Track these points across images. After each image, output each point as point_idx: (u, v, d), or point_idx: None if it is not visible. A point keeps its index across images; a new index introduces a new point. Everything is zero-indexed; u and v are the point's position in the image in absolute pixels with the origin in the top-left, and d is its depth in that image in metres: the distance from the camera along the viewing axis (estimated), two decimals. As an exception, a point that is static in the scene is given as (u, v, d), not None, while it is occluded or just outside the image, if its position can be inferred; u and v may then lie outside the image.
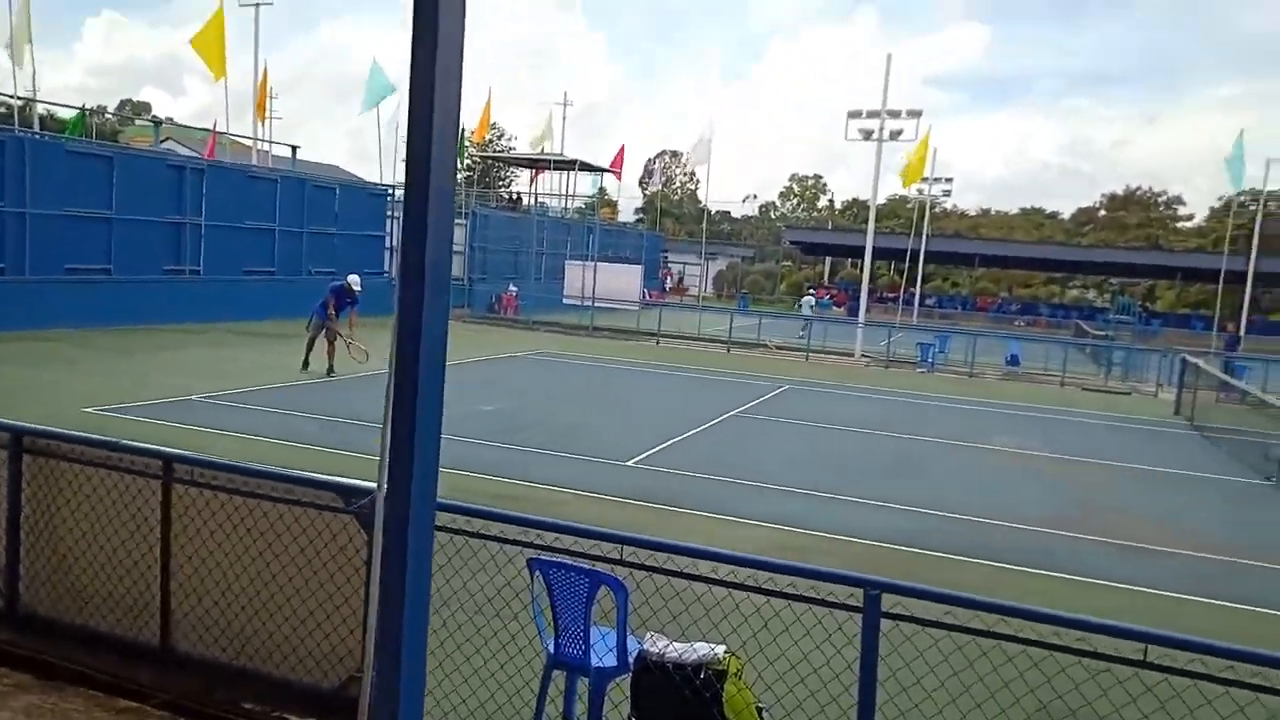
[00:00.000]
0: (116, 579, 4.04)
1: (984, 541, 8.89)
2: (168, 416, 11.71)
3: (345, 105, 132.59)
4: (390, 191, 31.37)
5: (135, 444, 4.21)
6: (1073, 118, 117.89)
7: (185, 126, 45.58)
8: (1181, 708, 3.49)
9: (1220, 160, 31.09)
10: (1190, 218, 71.10)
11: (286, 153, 33.98)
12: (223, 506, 3.81)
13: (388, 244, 30.66)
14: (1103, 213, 75.41)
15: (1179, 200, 73.44)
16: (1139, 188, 74.71)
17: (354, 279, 16.80)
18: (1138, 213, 72.16)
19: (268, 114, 36.23)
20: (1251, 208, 42.50)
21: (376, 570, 2.66)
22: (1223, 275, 34.10)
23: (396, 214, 29.52)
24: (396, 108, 33.06)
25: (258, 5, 34.91)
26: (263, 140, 35.10)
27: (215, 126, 34.70)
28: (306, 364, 16.23)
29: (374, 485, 3.10)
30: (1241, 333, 34.04)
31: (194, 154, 31.51)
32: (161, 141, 33.36)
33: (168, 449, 4.16)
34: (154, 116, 50.43)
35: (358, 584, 3.56)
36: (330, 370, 16.08)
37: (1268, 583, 8.30)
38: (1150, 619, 6.56)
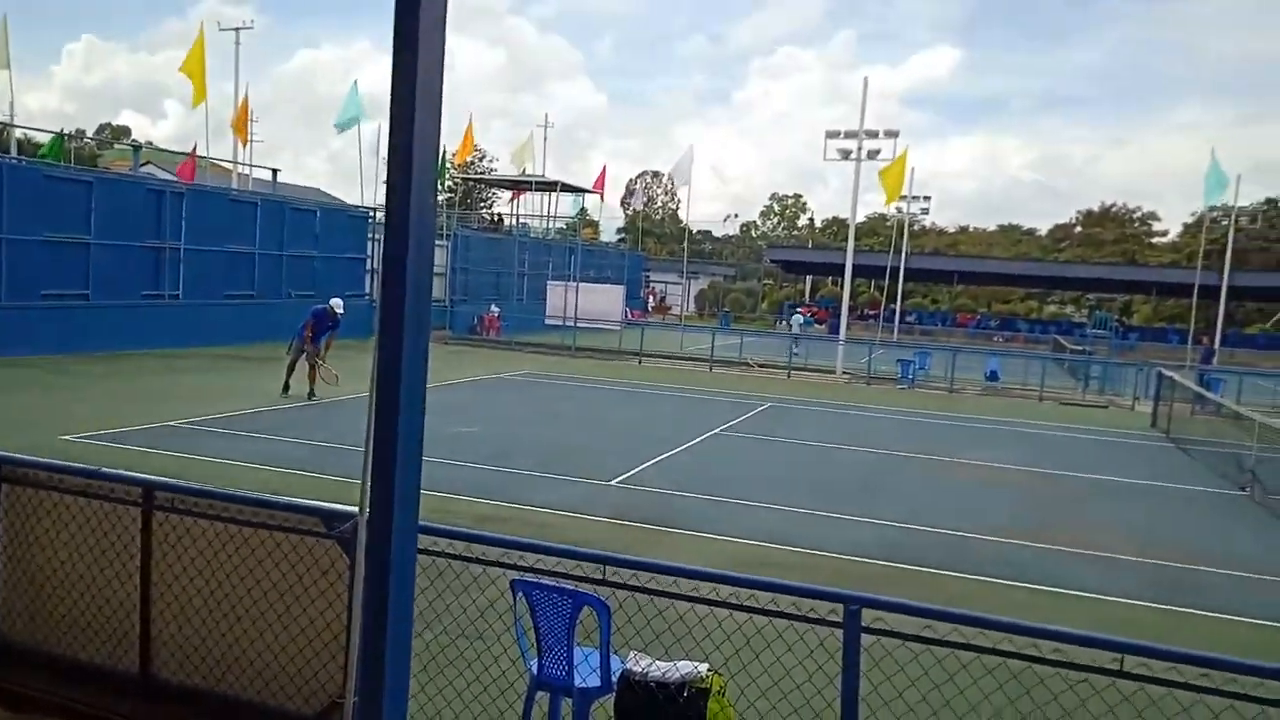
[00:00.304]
0: (96, 608, 4.01)
1: (963, 555, 8.95)
2: (148, 443, 11.62)
3: (326, 128, 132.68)
4: (371, 213, 31.36)
5: (115, 471, 4.20)
6: (1045, 137, 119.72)
7: (165, 150, 45.45)
8: (1158, 716, 3.54)
9: (1191, 178, 31.65)
10: (1165, 233, 72.18)
11: (267, 175, 33.96)
12: (204, 533, 3.80)
13: (369, 266, 30.60)
14: (1079, 229, 76.33)
15: (1153, 216, 74.58)
16: (1114, 204, 75.84)
17: (336, 302, 16.73)
18: (1113, 229, 73.09)
19: (248, 137, 36.20)
20: (1224, 223, 43.20)
21: (359, 594, 2.67)
22: (1197, 289, 34.60)
23: (378, 236, 29.49)
24: (378, 130, 33.13)
25: (238, 30, 34.98)
26: (243, 163, 35.08)
27: (195, 150, 34.63)
28: (287, 388, 16.15)
29: (356, 509, 3.12)
30: (1216, 346, 34.48)
31: (174, 178, 31.41)
32: (141, 165, 33.24)
33: (148, 476, 4.15)
34: (133, 140, 50.23)
35: (340, 609, 3.56)
36: (311, 394, 16.00)
37: (1241, 591, 8.40)
38: (1127, 629, 6.63)
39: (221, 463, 10.78)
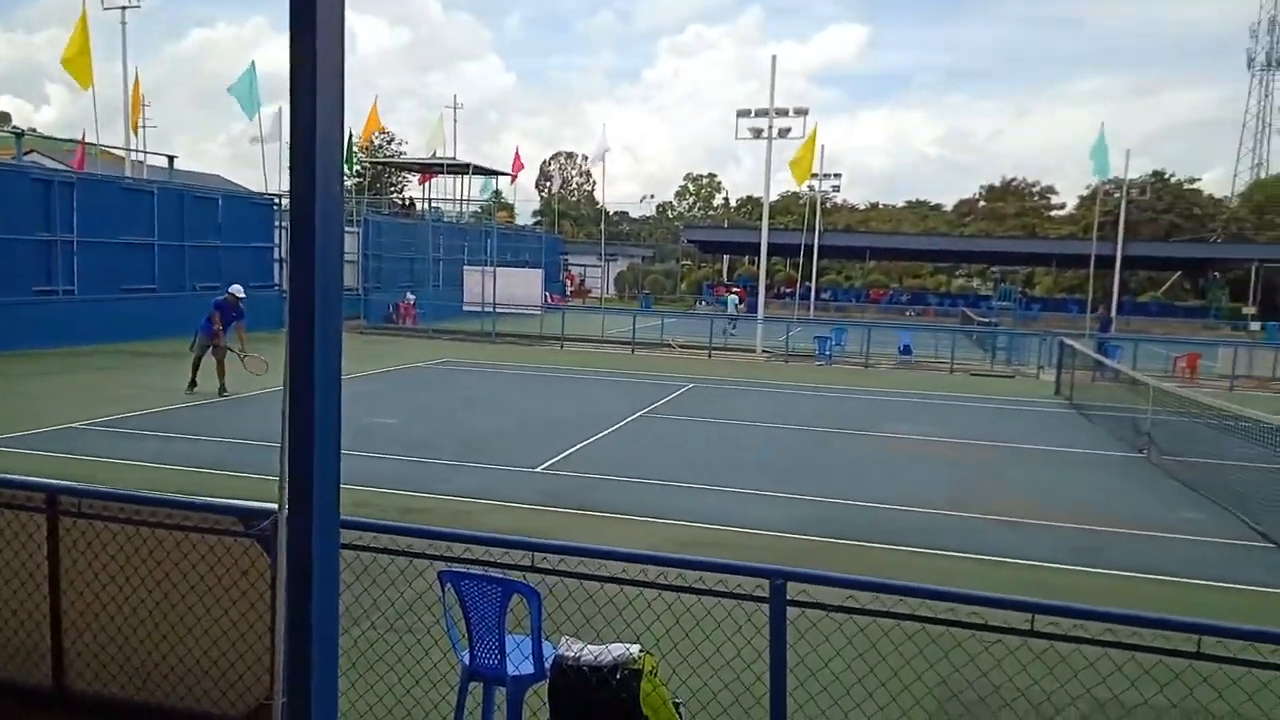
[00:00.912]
0: (2, 621, 3.82)
1: (885, 526, 9.22)
2: (49, 447, 11.09)
3: (224, 111, 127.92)
4: (276, 200, 30.40)
5: (14, 477, 4.00)
6: (949, 113, 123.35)
7: (50, 138, 43.14)
8: (1067, 671, 3.73)
9: (1086, 151, 32.92)
10: (1062, 206, 75.06)
11: (163, 163, 32.56)
12: (114, 538, 3.65)
13: (276, 255, 29.70)
14: (982, 203, 78.82)
15: (1051, 190, 77.45)
16: (1014, 179, 78.46)
17: (236, 288, 16.23)
18: (1014, 203, 75.70)
19: (141, 123, 34.60)
20: (1116, 196, 45.17)
21: (282, 593, 2.61)
22: (1093, 260, 36.15)
23: (284, 224, 28.63)
24: (278, 113, 32.04)
25: (124, 9, 33.35)
26: (136, 150, 33.53)
27: (84, 137, 32.96)
28: (194, 384, 15.58)
29: (274, 506, 3.04)
30: (1114, 314, 36.12)
31: (63, 166, 29.84)
32: (25, 154, 31.47)
33: (51, 480, 3.97)
34: (15, 127, 47.52)
35: (263, 609, 3.48)
36: (222, 389, 15.48)
37: (1140, 548, 8.87)
38: (1037, 590, 6.94)
39: (130, 464, 10.37)
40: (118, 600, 3.67)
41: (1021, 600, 3.37)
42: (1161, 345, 29.41)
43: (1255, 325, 47.19)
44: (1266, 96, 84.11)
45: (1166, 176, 65.89)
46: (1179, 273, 62.78)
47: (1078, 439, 15.15)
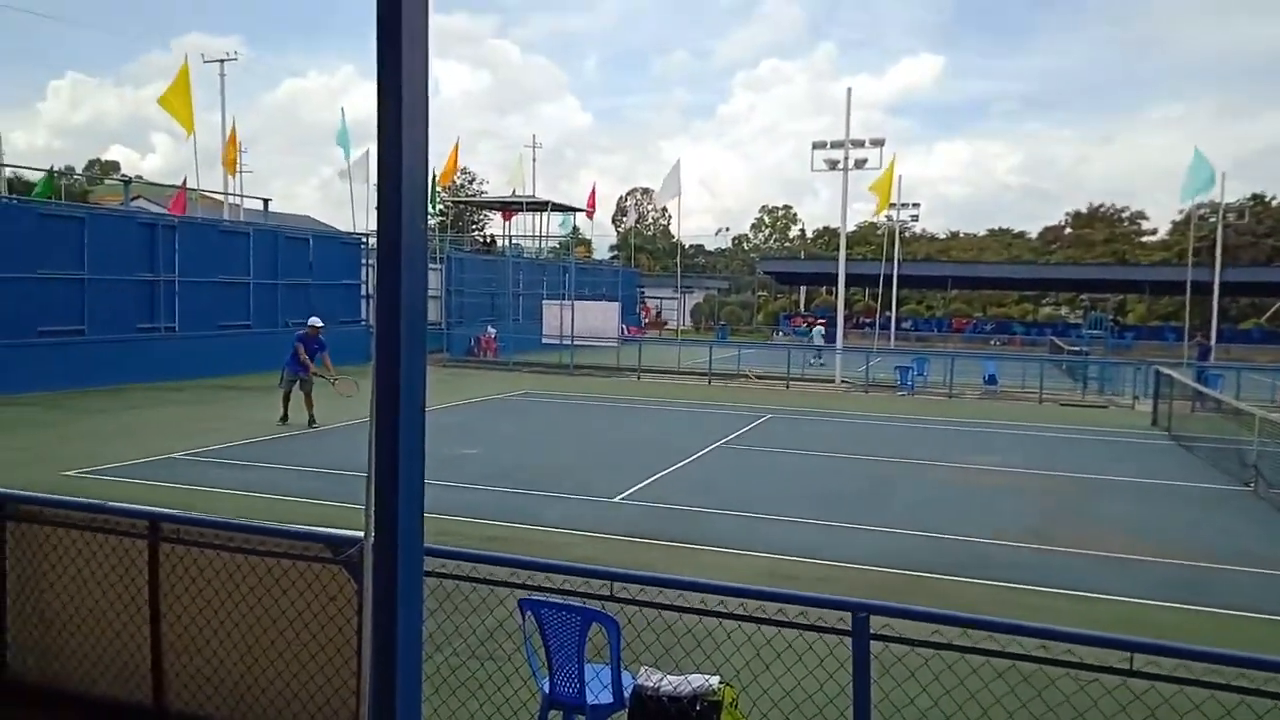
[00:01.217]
0: (106, 641, 4.01)
1: (973, 560, 8.94)
2: (150, 476, 11.60)
3: (315, 156, 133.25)
4: (364, 239, 31.43)
5: (119, 505, 4.20)
6: (1028, 141, 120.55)
7: (155, 184, 45.57)
8: (1171, 714, 3.54)
9: (1176, 175, 31.79)
10: (1154, 232, 72.49)
11: (258, 205, 34.04)
12: (210, 563, 3.81)
13: (364, 292, 30.66)
14: (1069, 230, 76.63)
15: (1142, 215, 74.92)
16: (1102, 205, 76.19)
17: (315, 320, 16.89)
18: (1103, 229, 73.38)
19: (238, 168, 36.31)
20: (1212, 220, 43.42)
21: (368, 618, 2.67)
22: (1189, 286, 34.72)
23: (371, 261, 29.58)
24: (366, 155, 33.24)
25: (223, 61, 35.16)
26: (233, 194, 35.15)
27: (185, 183, 34.73)
28: (285, 417, 16.13)
29: (361, 534, 3.12)
30: (1213, 342, 34.56)
31: (165, 211, 31.46)
32: (132, 199, 33.31)
33: (153, 508, 4.16)
34: (123, 175, 50.36)
35: (350, 633, 3.57)
36: (311, 421, 15.99)
37: (1247, 585, 8.40)
38: (1136, 628, 6.63)
39: (225, 493, 10.76)
40: (214, 623, 3.81)
41: (1119, 638, 3.23)
42: (1267, 374, 27.96)
43: (1369, 351, 44.50)
44: (1374, 112, 80.00)
45: (1267, 199, 63.07)
46: (1284, 298, 59.79)
47: (1178, 471, 14.48)
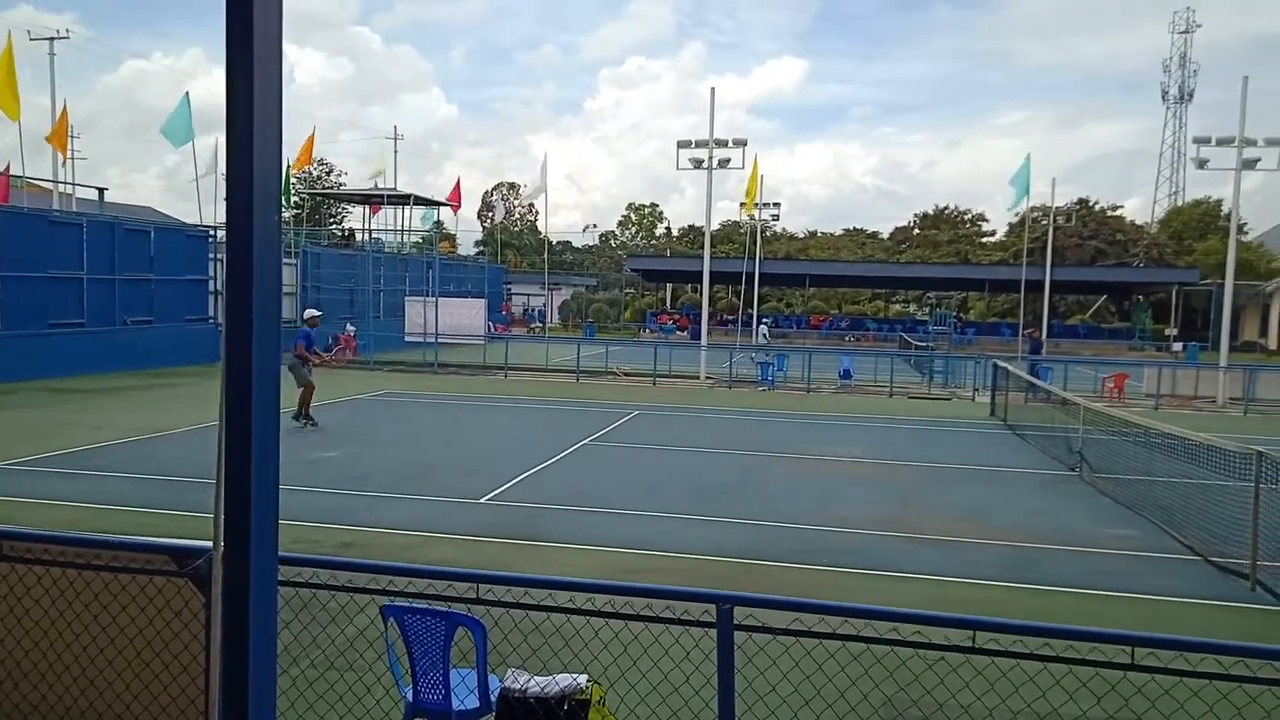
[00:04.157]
0: (-87, 672, 3.64)
1: (826, 547, 9.31)
2: (-35, 488, 10.63)
3: (158, 143, 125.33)
4: (212, 232, 29.80)
5: (-70, 521, 3.83)
6: (883, 144, 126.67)
7: (-28, 170, 41.72)
8: (1008, 686, 3.79)
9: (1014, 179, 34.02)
10: (993, 233, 77.10)
11: (93, 195, 31.73)
12: (39, 580, 3.52)
13: (212, 288, 29.08)
14: (917, 231, 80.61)
15: (983, 218, 79.51)
16: (947, 207, 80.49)
17: (309, 312, 17.48)
18: (948, 230, 77.57)
19: (69, 154, 33.71)
20: (1044, 222, 46.71)
21: (217, 633, 2.54)
22: (1024, 285, 37.23)
23: (220, 256, 28.09)
24: (215, 145, 31.55)
25: (53, 40, 32.64)
26: (65, 183, 32.63)
27: (9, 169, 31.97)
28: (308, 418, 16.18)
29: (209, 544, 2.96)
30: (1044, 337, 37.18)
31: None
32: (-55, 187, 30.40)
33: (-31, 523, 3.81)
34: (-66, 159, 45.92)
35: (197, 650, 3.37)
36: (305, 416, 16.04)
37: (1075, 564, 9.09)
38: (976, 608, 7.06)
39: (55, 504, 9.98)
40: (42, 645, 3.53)
41: (963, 618, 3.42)
42: (1090, 366, 30.34)
43: (1177, 346, 48.97)
44: (1181, 127, 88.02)
45: (1091, 204, 68.30)
46: (1105, 296, 64.99)
47: (1013, 458, 15.51)
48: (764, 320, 47.58)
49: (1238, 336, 49.43)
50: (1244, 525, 8.39)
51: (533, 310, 57.92)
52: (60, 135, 31.38)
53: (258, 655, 2.38)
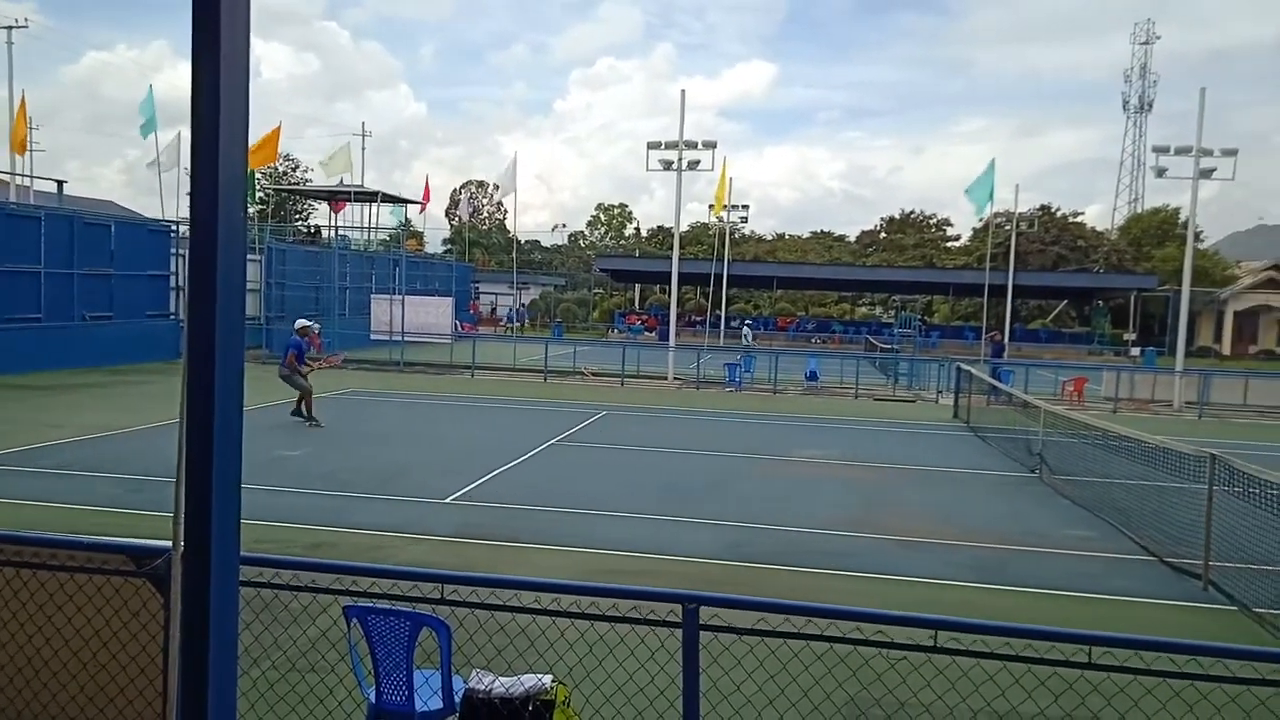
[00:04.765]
0: None
1: (791, 548, 9.37)
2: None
3: (120, 136, 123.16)
4: (174, 227, 29.33)
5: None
6: (849, 148, 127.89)
7: (-76, 159, 40.71)
8: (968, 685, 3.85)
9: (978, 185, 34.48)
10: (957, 238, 78.11)
11: (51, 188, 31.05)
12: (-9, 581, 3.44)
13: (173, 284, 28.61)
14: (883, 234, 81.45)
15: (947, 222, 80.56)
16: (912, 211, 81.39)
17: (300, 322, 17.39)
18: (913, 234, 78.46)
19: (28, 146, 32.99)
20: (1007, 228, 47.39)
21: (176, 634, 2.50)
22: (987, 289, 37.74)
23: (182, 251, 27.64)
24: (177, 138, 31.04)
25: (10, 28, 31.96)
26: (22, 175, 31.92)
27: (-38, 159, 31.23)
28: (311, 419, 16.21)
29: (169, 544, 2.92)
30: (1006, 341, 37.73)
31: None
32: (-105, 176, 29.64)
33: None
34: (-116, 148, 44.60)
35: (155, 652, 3.32)
36: (306, 414, 16.16)
37: (1034, 564, 9.23)
38: (938, 608, 7.15)
39: (14, 504, 9.77)
40: (-6, 648, 3.45)
41: (924, 617, 3.47)
42: (1050, 370, 30.81)
43: (1135, 350, 49.93)
44: (1141, 136, 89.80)
45: (1053, 210, 69.40)
46: (1065, 301, 66.05)
47: (975, 460, 15.72)
48: (747, 322, 47.76)
49: (1194, 342, 50.54)
50: (1197, 527, 8.57)
51: (512, 310, 57.72)
52: (19, 127, 30.72)
53: (217, 657, 2.35)
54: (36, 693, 3.43)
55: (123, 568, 3.38)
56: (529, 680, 3.77)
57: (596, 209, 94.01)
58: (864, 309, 75.60)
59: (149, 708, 3.33)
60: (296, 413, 16.35)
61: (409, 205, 46.92)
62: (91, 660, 3.37)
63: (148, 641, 3.34)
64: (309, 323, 17.61)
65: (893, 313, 67.09)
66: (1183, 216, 60.92)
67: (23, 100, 31.22)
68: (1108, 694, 3.63)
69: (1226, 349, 55.12)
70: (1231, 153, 26.93)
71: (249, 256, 30.19)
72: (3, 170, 31.52)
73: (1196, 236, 38.47)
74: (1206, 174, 26.87)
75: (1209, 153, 26.62)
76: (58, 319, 23.86)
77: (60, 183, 30.50)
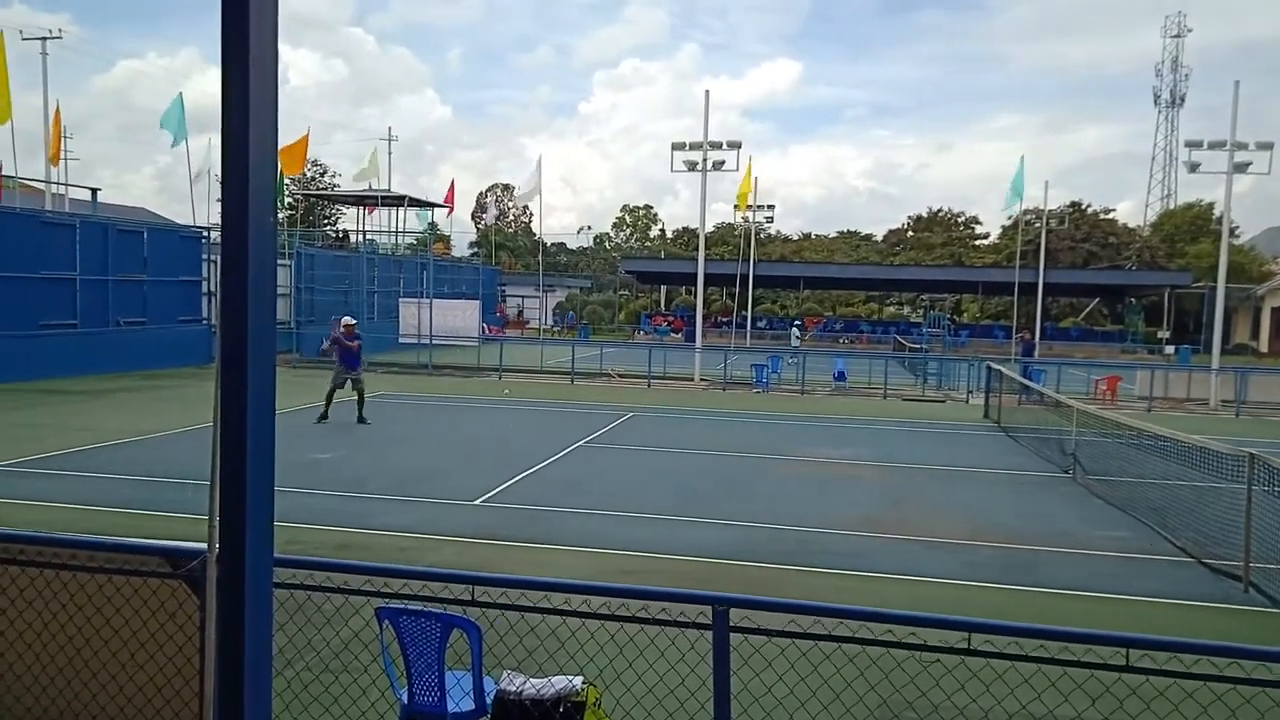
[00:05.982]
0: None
1: (821, 549, 9.31)
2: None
3: (152, 144, 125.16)
4: (205, 233, 29.73)
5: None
6: (875, 146, 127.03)
7: (-36, 170, 41.54)
8: (1003, 688, 3.80)
9: (1007, 182, 34.13)
10: (986, 236, 77.35)
11: (86, 195, 31.62)
12: (32, 583, 3.50)
13: (205, 289, 29.00)
14: (910, 233, 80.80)
15: (976, 220, 79.77)
16: (941, 209, 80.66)
17: (347, 319, 17.90)
18: (941, 233, 77.76)
19: (62, 155, 33.58)
20: (1037, 225, 46.85)
21: (211, 635, 2.53)
22: (1017, 288, 37.32)
23: (214, 257, 28.02)
24: (209, 145, 31.48)
25: (45, 39, 32.56)
26: (57, 183, 32.52)
27: (1, 169, 31.83)
28: (325, 416, 16.87)
29: (204, 546, 2.95)
30: (1036, 340, 37.28)
31: (-24, 199, 28.71)
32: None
33: (-38, 525, 3.79)
34: (-75, 159, 45.69)
35: (191, 653, 3.36)
36: (359, 418, 16.93)
37: (1069, 565, 9.11)
38: (970, 610, 7.07)
39: (51, 506, 9.94)
40: (35, 648, 3.51)
41: (958, 620, 3.43)
42: (1083, 369, 30.41)
43: (1169, 349, 49.14)
44: (1173, 131, 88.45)
45: (1084, 207, 68.52)
46: (1097, 299, 65.16)
47: (1007, 460, 15.54)
48: (796, 323, 47.64)
49: (1229, 339, 49.64)
50: (1237, 527, 8.42)
51: (560, 314, 57.97)
52: (53, 136, 31.27)
53: (253, 658, 2.37)
54: (78, 692, 3.48)
55: (159, 569, 3.43)
56: (560, 682, 3.77)
57: (622, 210, 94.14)
58: (892, 308, 75.05)
59: (186, 708, 3.37)
60: (361, 419, 16.99)
61: (435, 209, 47.22)
62: (130, 661, 3.42)
63: (184, 643, 3.38)
64: (352, 320, 18.12)
65: (921, 312, 66.55)
66: (1217, 211, 59.96)
67: (57, 110, 31.78)
68: (1146, 698, 3.57)
69: (1263, 346, 54.10)
70: (1267, 146, 26.45)
71: (279, 261, 30.52)
72: (38, 179, 32.09)
73: (1231, 232, 37.81)
74: (1241, 168, 26.41)
75: (1243, 146, 26.17)
76: (92, 325, 24.27)
77: (94, 190, 31.07)
